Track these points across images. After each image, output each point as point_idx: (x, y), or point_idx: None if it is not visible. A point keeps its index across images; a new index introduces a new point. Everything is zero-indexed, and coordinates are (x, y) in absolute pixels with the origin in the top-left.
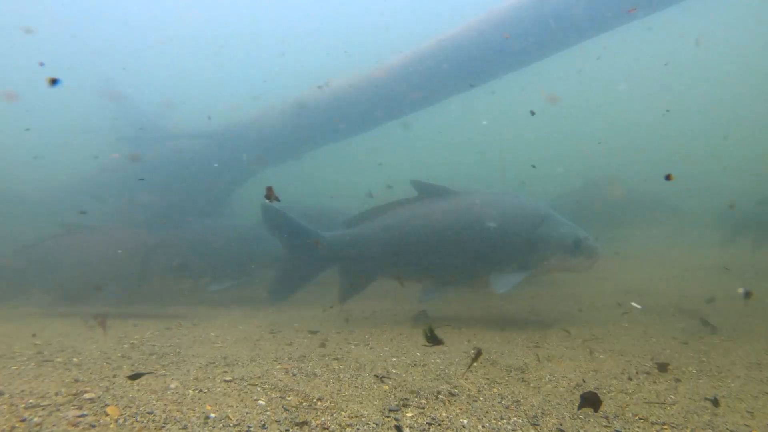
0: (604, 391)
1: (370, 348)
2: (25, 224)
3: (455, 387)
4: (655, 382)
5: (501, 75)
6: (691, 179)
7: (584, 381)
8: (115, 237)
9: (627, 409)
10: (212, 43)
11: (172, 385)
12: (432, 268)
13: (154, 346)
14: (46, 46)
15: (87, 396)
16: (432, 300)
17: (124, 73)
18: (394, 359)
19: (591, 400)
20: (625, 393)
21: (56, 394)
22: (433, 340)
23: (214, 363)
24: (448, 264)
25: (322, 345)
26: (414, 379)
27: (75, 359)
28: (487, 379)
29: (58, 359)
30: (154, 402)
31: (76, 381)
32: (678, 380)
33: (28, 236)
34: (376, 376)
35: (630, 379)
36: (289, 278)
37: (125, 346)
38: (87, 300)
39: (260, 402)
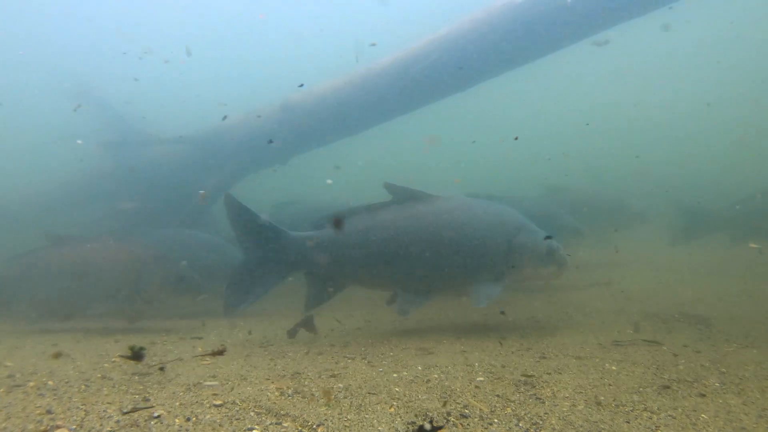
0: (626, 408)
1: (368, 362)
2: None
3: (465, 407)
4: (678, 398)
5: (494, 76)
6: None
7: (602, 399)
8: (106, 249)
9: (658, 431)
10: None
11: (157, 413)
12: (408, 277)
13: (137, 364)
14: (20, 46)
15: None
16: (412, 311)
17: (101, 76)
18: (394, 375)
19: None
20: (650, 411)
21: None
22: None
23: (201, 383)
24: (425, 272)
25: (317, 360)
26: (420, 399)
27: (50, 383)
28: (498, 396)
29: (31, 383)
30: None
31: (48, 413)
32: (703, 395)
33: (7, 247)
34: (378, 395)
35: (650, 393)
36: (247, 285)
37: (105, 365)
38: (75, 316)
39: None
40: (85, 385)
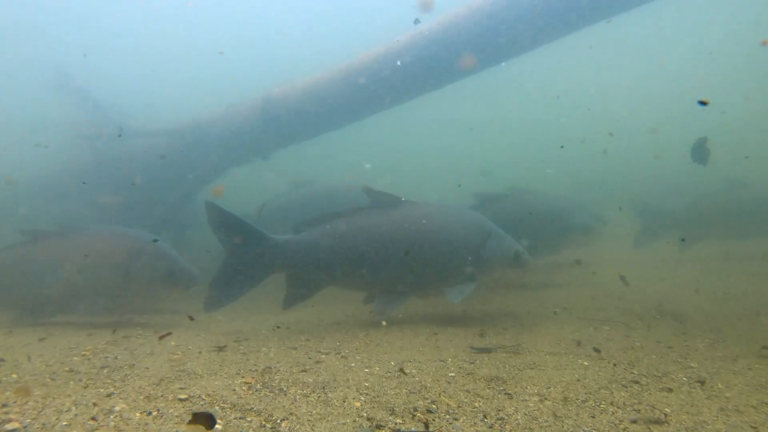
0: (592, 403)
1: (342, 357)
2: None
3: (433, 402)
4: (644, 393)
5: (479, 71)
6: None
7: (570, 395)
8: (90, 242)
9: (621, 426)
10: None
11: (117, 407)
12: (384, 279)
13: (107, 357)
14: None
15: (9, 427)
16: (389, 312)
17: (83, 67)
18: (366, 370)
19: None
20: (615, 405)
21: None
22: None
23: (169, 377)
24: (401, 274)
25: (290, 355)
26: (388, 394)
27: (14, 375)
28: (467, 391)
29: None
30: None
31: (3, 406)
32: (669, 390)
33: None
34: (347, 390)
35: (617, 388)
36: (229, 284)
37: (75, 358)
38: (59, 314)
39: (216, 426)
40: (51, 379)
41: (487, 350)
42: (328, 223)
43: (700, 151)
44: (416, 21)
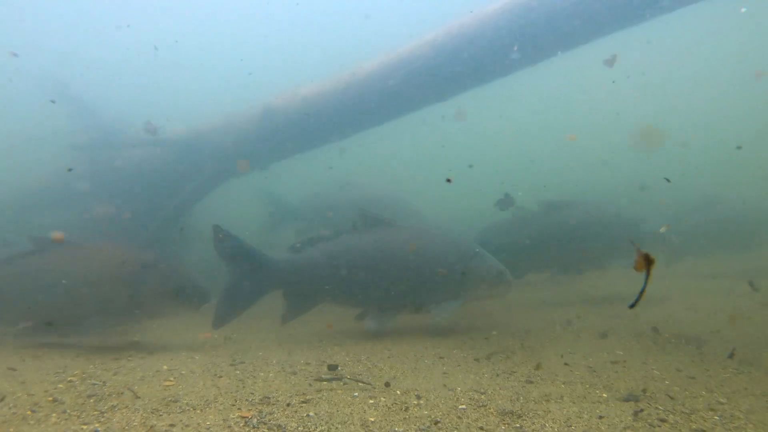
0: None
1: (343, 384)
2: None
3: None
4: None
5: (486, 82)
6: None
7: None
8: (96, 255)
9: None
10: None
11: None
12: (373, 297)
13: (95, 384)
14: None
15: None
16: (380, 328)
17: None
18: (371, 401)
19: None
20: None
21: None
22: None
23: (160, 410)
24: (389, 293)
25: (289, 381)
26: (399, 431)
27: None
28: (481, 429)
29: None
30: None
31: None
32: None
33: None
34: (351, 427)
35: (645, 429)
36: (233, 301)
37: (60, 385)
38: (63, 330)
39: None
40: (32, 411)
41: (338, 379)
42: (322, 244)
43: (504, 202)
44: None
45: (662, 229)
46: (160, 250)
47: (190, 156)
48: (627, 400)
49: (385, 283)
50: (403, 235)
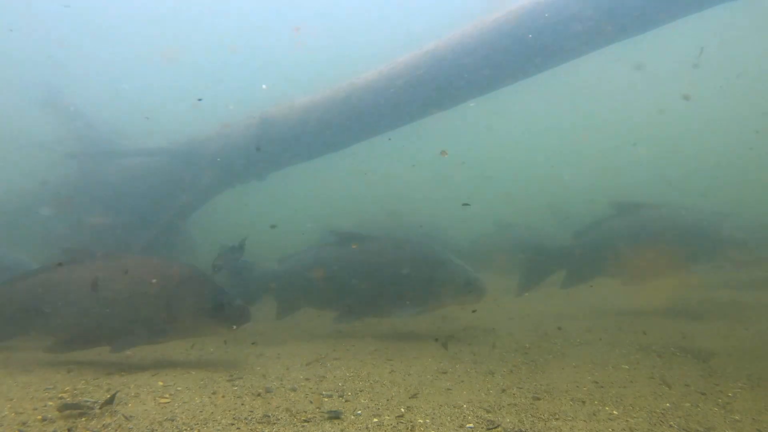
0: None
1: (346, 401)
2: None
3: None
4: None
5: (487, 92)
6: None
7: None
8: (134, 268)
9: None
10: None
11: None
12: (344, 300)
13: (87, 401)
14: None
15: None
16: (347, 324)
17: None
18: (375, 420)
19: None
20: None
21: None
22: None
23: (155, 429)
24: (359, 297)
25: (289, 398)
26: None
27: None
28: None
29: None
30: None
31: None
32: None
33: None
34: None
35: None
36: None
37: (50, 402)
38: (98, 344)
39: None
40: (20, 431)
41: (79, 407)
42: (304, 257)
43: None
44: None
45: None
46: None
47: (187, 165)
48: (635, 411)
49: (352, 289)
50: (374, 248)
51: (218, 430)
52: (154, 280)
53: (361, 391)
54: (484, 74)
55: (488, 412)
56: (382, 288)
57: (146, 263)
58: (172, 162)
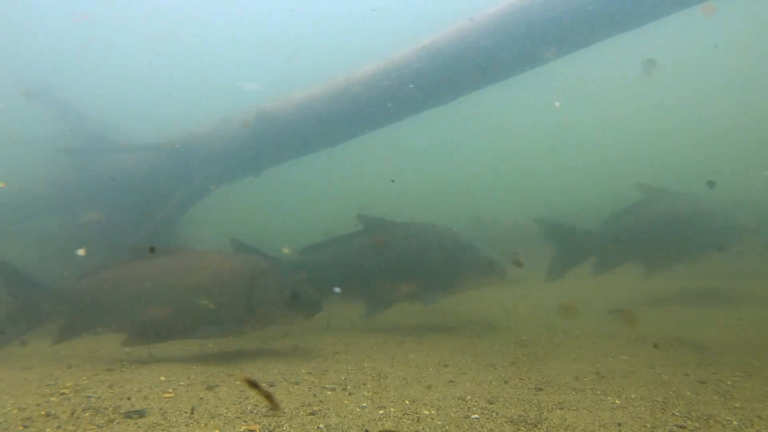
0: None
1: (350, 394)
2: None
3: None
4: None
5: (485, 86)
6: None
7: None
8: (213, 262)
9: None
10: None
11: None
12: (375, 288)
13: (90, 397)
14: None
15: None
16: (376, 312)
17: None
18: (381, 411)
19: None
20: None
21: None
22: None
23: (161, 424)
24: (388, 284)
25: (293, 392)
26: None
27: None
28: None
29: None
30: None
31: None
32: None
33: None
34: None
35: None
36: None
37: (53, 398)
38: (174, 337)
39: None
40: (24, 426)
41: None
42: (330, 247)
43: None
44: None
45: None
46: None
47: (181, 162)
48: (637, 401)
49: (381, 275)
50: (400, 235)
51: (225, 423)
52: (234, 274)
53: (363, 384)
54: (482, 67)
55: (492, 403)
56: (410, 274)
57: (224, 257)
58: (167, 158)
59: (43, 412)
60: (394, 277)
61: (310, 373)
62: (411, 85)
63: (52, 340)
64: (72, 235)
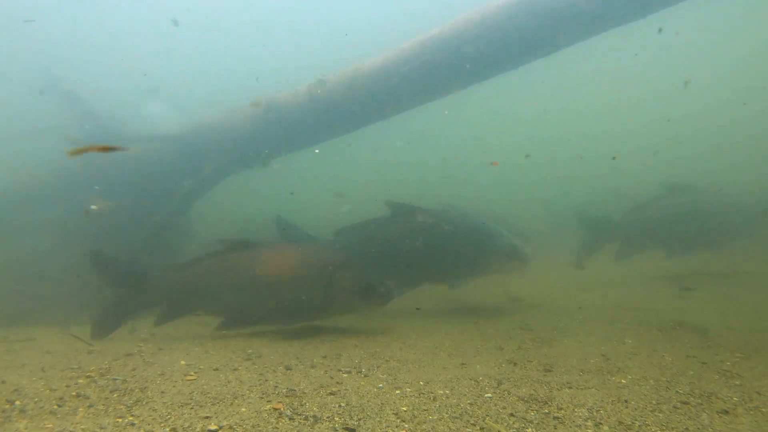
0: (655, 429)
1: (365, 376)
2: None
3: (482, 429)
4: (702, 415)
5: (491, 76)
6: None
7: (625, 419)
8: (294, 255)
9: None
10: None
11: None
12: (404, 271)
13: (115, 380)
14: None
15: None
16: (402, 294)
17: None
18: (397, 391)
19: None
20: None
21: None
22: None
23: (190, 404)
24: (416, 268)
25: (310, 374)
26: (431, 419)
27: (17, 402)
28: (512, 415)
29: None
30: None
31: None
32: (726, 412)
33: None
34: (386, 416)
35: (670, 411)
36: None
37: (80, 380)
38: (262, 323)
39: None
40: (58, 405)
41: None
42: (365, 231)
43: None
44: None
45: None
46: (159, 247)
47: (190, 152)
48: (642, 380)
49: (408, 259)
50: (427, 219)
51: (250, 403)
52: (314, 265)
53: (377, 367)
54: (496, 57)
55: (502, 383)
56: (438, 258)
57: (306, 250)
58: (175, 148)
59: (74, 393)
60: (423, 260)
61: (324, 357)
62: (421, 76)
63: (153, 322)
64: (81, 223)
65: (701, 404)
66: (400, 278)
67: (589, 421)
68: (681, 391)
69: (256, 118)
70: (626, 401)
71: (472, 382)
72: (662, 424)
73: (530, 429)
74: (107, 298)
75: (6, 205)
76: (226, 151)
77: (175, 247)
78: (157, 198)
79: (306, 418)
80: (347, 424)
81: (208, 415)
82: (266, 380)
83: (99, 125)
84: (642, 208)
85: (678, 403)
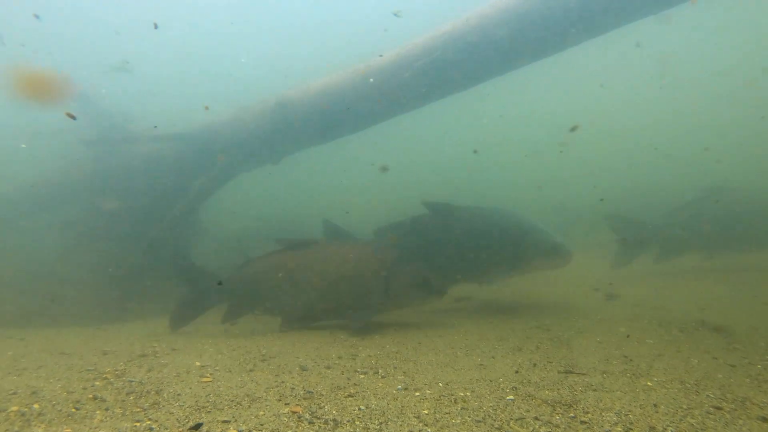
0: None
1: (382, 377)
2: None
3: None
4: (738, 422)
5: (500, 74)
6: None
7: (657, 425)
8: (355, 253)
9: None
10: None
11: None
12: (445, 269)
13: (132, 381)
14: None
15: None
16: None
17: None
18: (417, 393)
19: None
20: None
21: None
22: None
23: (207, 406)
24: (458, 265)
25: (326, 376)
26: (454, 423)
27: (35, 405)
28: (537, 419)
29: (13, 408)
30: None
31: None
32: (765, 419)
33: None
34: (408, 420)
35: (704, 417)
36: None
37: (97, 382)
38: (324, 319)
39: None
40: (75, 408)
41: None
42: (398, 228)
43: None
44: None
45: None
46: (171, 245)
47: (202, 150)
48: (669, 383)
49: (449, 257)
50: (466, 217)
51: (268, 406)
52: (375, 263)
53: (394, 368)
54: (500, 54)
55: (524, 385)
56: (478, 255)
57: (364, 248)
58: (187, 147)
59: (90, 396)
60: (464, 257)
61: (340, 357)
62: (431, 72)
63: (221, 319)
64: (94, 223)
65: (735, 410)
66: (441, 275)
67: (618, 426)
68: (712, 396)
69: (268, 116)
70: (655, 405)
71: (492, 383)
72: (697, 431)
73: None
74: (184, 296)
75: (22, 206)
76: (238, 148)
77: (186, 245)
78: (168, 197)
79: (326, 422)
80: (368, 429)
81: (227, 418)
82: (282, 381)
83: (111, 125)
84: (683, 209)
85: (711, 408)
